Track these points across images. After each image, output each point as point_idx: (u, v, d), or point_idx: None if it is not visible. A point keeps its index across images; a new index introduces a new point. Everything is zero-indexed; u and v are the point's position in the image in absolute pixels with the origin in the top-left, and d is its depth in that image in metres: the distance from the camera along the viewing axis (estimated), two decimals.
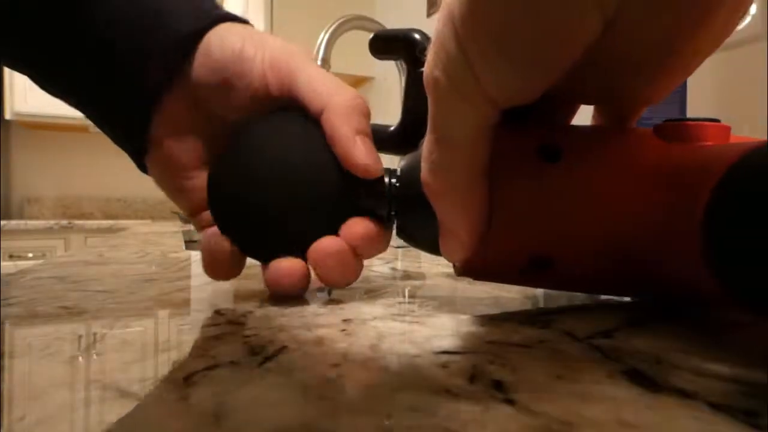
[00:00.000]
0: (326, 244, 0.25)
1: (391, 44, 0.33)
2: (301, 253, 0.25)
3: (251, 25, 0.30)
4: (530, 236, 0.21)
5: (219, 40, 0.27)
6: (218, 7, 0.29)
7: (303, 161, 0.25)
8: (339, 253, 0.25)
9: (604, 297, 0.28)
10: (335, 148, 0.25)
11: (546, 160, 0.20)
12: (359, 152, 0.25)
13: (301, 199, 0.25)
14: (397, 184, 0.26)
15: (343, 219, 0.25)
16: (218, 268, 0.27)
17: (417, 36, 0.32)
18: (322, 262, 0.25)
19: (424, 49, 0.30)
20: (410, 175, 0.25)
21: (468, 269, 0.23)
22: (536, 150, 0.20)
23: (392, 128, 0.34)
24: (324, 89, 0.26)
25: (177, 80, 0.27)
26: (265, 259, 0.26)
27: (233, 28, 0.28)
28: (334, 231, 0.25)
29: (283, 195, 0.25)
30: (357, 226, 0.25)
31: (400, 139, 0.33)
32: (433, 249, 0.24)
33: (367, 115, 0.26)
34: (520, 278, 0.23)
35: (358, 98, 0.26)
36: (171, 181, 0.30)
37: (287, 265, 0.25)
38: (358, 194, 0.25)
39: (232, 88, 0.27)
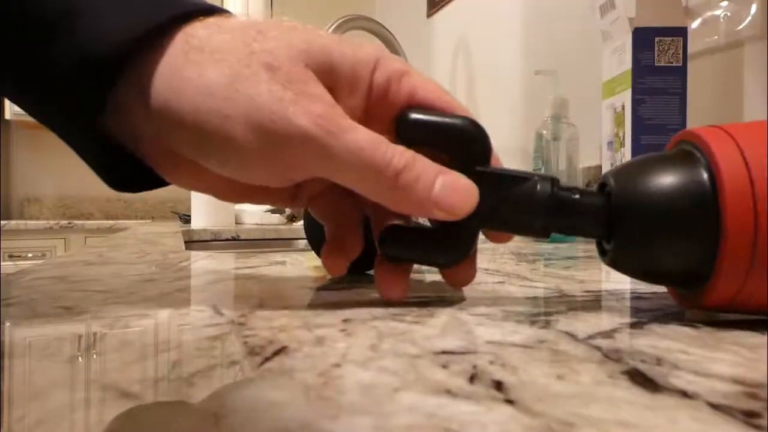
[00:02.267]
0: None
1: (436, 136, 0.24)
2: None
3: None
4: None
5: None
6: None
7: None
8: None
9: (604, 297, 0.28)
10: None
11: None
12: None
13: None
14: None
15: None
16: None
17: (470, 127, 0.24)
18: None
19: (478, 147, 0.24)
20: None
21: (720, 299, 0.21)
22: None
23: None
24: None
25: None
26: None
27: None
28: None
29: None
30: None
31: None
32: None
33: None
34: None
35: None
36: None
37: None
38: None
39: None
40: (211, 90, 0.19)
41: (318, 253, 0.37)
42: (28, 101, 0.22)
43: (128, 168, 0.23)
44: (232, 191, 0.25)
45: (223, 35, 0.20)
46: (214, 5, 0.22)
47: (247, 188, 0.24)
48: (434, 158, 0.23)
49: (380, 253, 0.26)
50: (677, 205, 0.21)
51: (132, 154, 0.23)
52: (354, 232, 0.27)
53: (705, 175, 0.21)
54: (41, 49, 0.20)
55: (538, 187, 0.24)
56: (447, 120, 0.24)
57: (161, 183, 0.25)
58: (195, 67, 0.19)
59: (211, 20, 0.21)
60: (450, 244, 0.25)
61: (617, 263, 0.24)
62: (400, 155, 0.20)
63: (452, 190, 0.21)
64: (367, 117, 0.23)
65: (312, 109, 0.19)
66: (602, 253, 0.25)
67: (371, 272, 0.37)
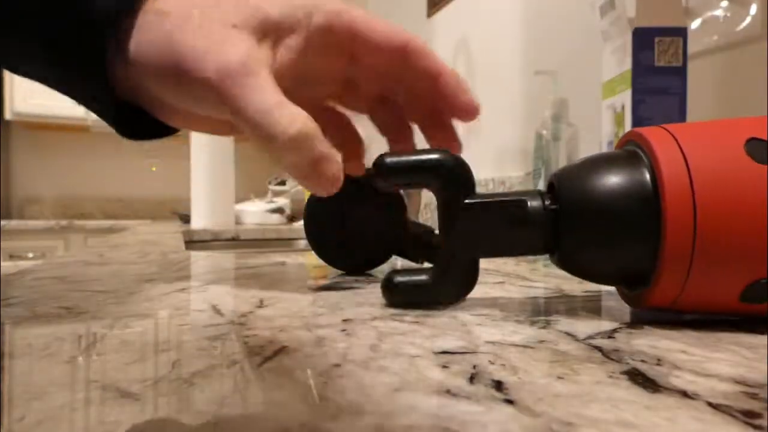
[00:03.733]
0: None
1: (417, 176, 0.24)
2: None
3: None
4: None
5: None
6: None
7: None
8: None
9: (604, 297, 0.28)
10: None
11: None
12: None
13: None
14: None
15: None
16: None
17: (448, 161, 0.24)
18: None
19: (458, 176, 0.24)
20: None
21: (663, 298, 0.21)
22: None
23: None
24: None
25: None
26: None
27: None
28: None
29: None
30: None
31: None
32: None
33: None
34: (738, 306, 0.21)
35: None
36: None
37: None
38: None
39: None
40: (158, 41, 0.23)
41: (318, 252, 0.37)
42: (38, 68, 0.26)
43: (140, 121, 0.27)
44: (216, 127, 0.29)
45: (187, 2, 0.24)
46: None
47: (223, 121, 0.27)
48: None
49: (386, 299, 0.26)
50: (619, 206, 0.21)
51: (140, 108, 0.27)
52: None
53: (647, 176, 0.21)
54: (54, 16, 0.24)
55: (529, 204, 0.24)
56: (423, 158, 0.24)
57: (167, 131, 0.29)
58: (158, 25, 0.23)
59: None
60: (454, 281, 0.25)
61: (564, 264, 0.24)
62: (291, 123, 0.22)
63: (323, 173, 0.23)
64: (311, 53, 0.26)
65: (222, 58, 0.22)
66: (551, 253, 0.25)
67: (371, 272, 0.37)
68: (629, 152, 0.23)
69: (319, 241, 0.37)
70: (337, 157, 0.23)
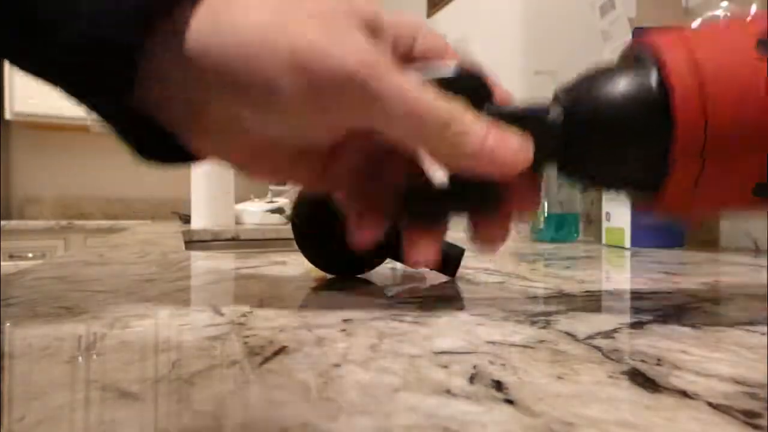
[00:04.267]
0: None
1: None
2: None
3: None
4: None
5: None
6: None
7: None
8: None
9: (604, 297, 0.28)
10: None
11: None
12: None
13: None
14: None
15: None
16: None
17: (467, 70, 0.23)
18: None
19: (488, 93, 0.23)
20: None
21: (676, 200, 0.21)
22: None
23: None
24: None
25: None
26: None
27: None
28: None
29: None
30: None
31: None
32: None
33: None
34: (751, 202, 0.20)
35: None
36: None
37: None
38: None
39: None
40: (258, 29, 0.19)
41: (308, 256, 0.36)
42: (57, 77, 0.21)
43: (160, 144, 0.23)
44: (257, 160, 0.24)
45: None
46: None
47: (273, 158, 0.23)
48: None
49: (409, 217, 0.24)
50: (626, 109, 0.21)
51: (162, 129, 0.22)
52: (379, 211, 0.25)
53: (654, 76, 0.21)
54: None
55: (550, 114, 0.23)
56: (440, 71, 0.23)
57: (188, 158, 0.24)
58: (240, 9, 0.19)
59: None
60: (482, 192, 0.23)
61: (574, 174, 0.24)
62: (448, 103, 0.20)
63: (504, 146, 0.20)
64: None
65: (357, 51, 0.19)
66: (559, 169, 0.24)
67: (366, 275, 0.37)
68: (634, 56, 0.22)
69: (308, 244, 0.36)
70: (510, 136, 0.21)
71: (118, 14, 0.19)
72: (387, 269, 0.39)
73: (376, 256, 0.36)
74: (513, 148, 0.21)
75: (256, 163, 0.24)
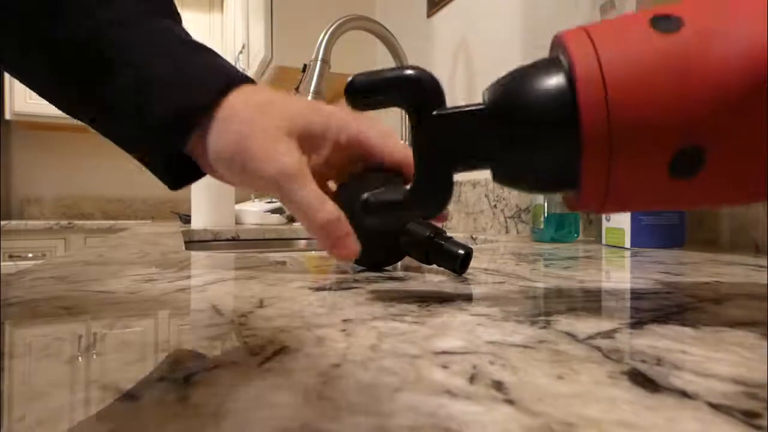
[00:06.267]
0: None
1: (386, 93, 0.24)
2: None
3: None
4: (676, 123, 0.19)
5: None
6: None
7: None
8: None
9: (604, 297, 0.28)
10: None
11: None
12: None
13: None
14: None
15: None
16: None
17: (417, 74, 0.24)
18: None
19: (433, 93, 0.24)
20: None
21: (592, 195, 0.21)
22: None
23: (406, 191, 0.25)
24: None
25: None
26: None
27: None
28: None
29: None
30: None
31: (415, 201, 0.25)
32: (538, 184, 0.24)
33: None
34: (667, 187, 0.20)
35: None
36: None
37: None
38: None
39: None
40: (230, 141, 0.33)
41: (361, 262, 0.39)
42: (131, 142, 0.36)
43: (189, 175, 0.38)
44: (242, 186, 0.37)
45: (248, 107, 0.33)
46: (247, 76, 0.36)
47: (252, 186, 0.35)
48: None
49: (366, 218, 0.26)
50: (542, 113, 0.21)
51: (194, 164, 0.37)
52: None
53: (564, 78, 0.21)
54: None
55: (476, 113, 0.24)
56: (391, 75, 0.24)
57: (201, 175, 0.39)
58: (229, 126, 0.33)
59: (242, 93, 0.34)
60: (428, 195, 0.24)
61: (499, 177, 0.24)
62: (325, 214, 0.31)
63: (344, 249, 0.31)
64: (328, 163, 0.36)
65: (281, 164, 0.31)
66: (492, 173, 0.25)
67: (386, 269, 0.37)
68: (551, 58, 0.23)
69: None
70: (353, 237, 0.32)
71: (182, 114, 0.33)
72: (387, 269, 0.39)
73: (389, 253, 0.39)
74: (346, 253, 0.31)
75: (241, 186, 0.37)
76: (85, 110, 0.35)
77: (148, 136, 0.33)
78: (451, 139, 0.24)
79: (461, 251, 0.35)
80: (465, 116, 0.24)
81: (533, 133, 0.22)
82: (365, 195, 0.25)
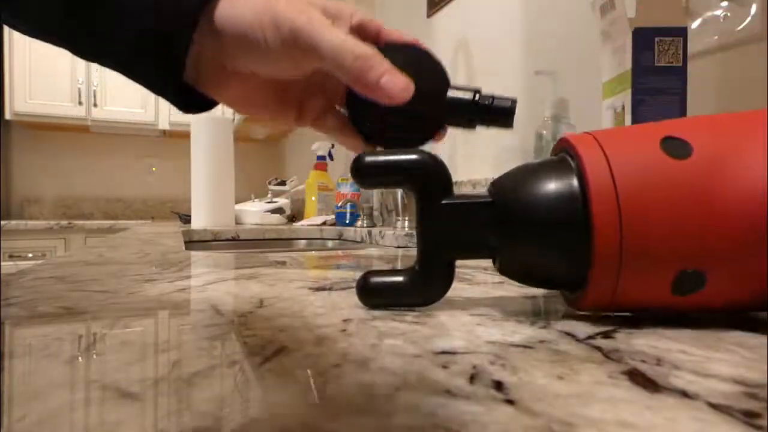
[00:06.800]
0: None
1: (395, 175, 0.24)
2: None
3: None
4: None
5: None
6: None
7: None
8: None
9: None
10: None
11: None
12: None
13: None
14: None
15: None
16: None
17: (428, 162, 0.24)
18: None
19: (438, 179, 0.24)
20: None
21: (597, 301, 0.21)
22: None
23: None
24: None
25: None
26: None
27: None
28: None
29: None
30: None
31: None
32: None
33: None
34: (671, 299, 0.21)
35: None
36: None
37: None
38: None
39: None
40: (255, 9, 0.30)
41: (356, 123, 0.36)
42: (122, 58, 0.31)
43: (191, 97, 0.34)
44: (254, 100, 0.34)
45: None
46: None
47: (265, 98, 0.34)
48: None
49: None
50: (550, 213, 0.22)
51: (192, 86, 0.32)
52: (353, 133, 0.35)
53: (575, 182, 0.22)
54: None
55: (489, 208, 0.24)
56: (401, 158, 0.24)
57: (211, 105, 0.34)
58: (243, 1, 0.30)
59: None
60: (431, 283, 0.24)
61: (503, 270, 0.24)
62: (362, 49, 0.28)
63: (394, 83, 0.28)
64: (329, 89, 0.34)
65: (308, 16, 0.29)
66: (494, 261, 0.25)
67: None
68: (560, 159, 0.23)
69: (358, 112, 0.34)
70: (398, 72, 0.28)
71: (178, 14, 0.30)
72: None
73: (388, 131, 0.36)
74: (400, 86, 0.28)
75: (252, 103, 0.34)
76: (84, 15, 0.30)
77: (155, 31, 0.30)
78: (456, 229, 0.24)
79: (511, 104, 0.33)
80: (471, 208, 0.24)
81: (540, 231, 0.22)
82: (366, 275, 0.25)
